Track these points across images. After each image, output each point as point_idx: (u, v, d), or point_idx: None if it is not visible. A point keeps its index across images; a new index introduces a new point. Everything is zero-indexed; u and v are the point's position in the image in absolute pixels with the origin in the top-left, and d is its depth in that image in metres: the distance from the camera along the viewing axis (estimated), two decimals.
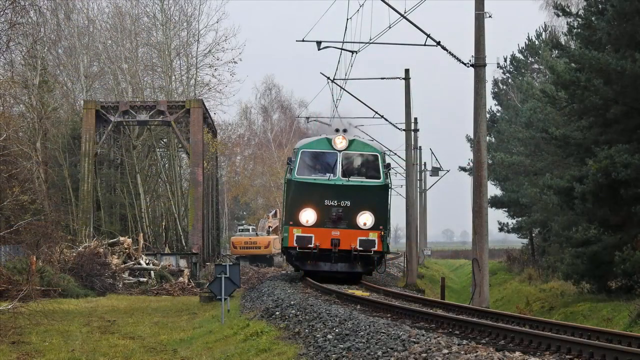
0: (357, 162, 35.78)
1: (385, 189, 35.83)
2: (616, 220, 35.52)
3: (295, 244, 34.88)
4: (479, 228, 31.30)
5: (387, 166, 36.23)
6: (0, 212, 40.08)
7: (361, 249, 34.67)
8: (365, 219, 34.98)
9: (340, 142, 35.34)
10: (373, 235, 34.86)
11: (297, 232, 34.91)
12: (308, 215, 35.07)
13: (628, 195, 33.38)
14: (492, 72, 75.21)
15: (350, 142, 35.62)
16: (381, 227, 35.12)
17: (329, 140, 35.64)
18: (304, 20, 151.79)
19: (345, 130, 36.52)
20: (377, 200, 35.42)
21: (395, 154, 69.63)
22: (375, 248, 34.88)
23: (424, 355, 14.39)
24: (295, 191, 35.47)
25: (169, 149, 74.78)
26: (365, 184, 35.27)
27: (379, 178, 35.46)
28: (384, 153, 38.19)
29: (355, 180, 35.19)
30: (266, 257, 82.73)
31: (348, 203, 34.89)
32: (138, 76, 74.58)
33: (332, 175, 35.09)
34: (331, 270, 35.10)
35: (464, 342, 15.42)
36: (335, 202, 34.94)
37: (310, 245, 34.70)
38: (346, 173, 35.13)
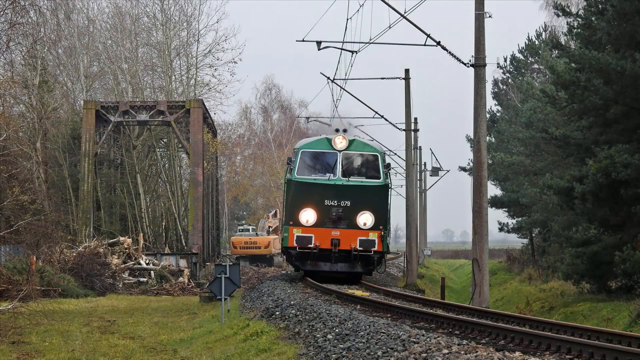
0: (357, 162, 35.51)
1: (385, 189, 35.56)
2: (616, 220, 35.51)
3: (295, 244, 34.60)
4: (479, 228, 31.28)
5: (387, 166, 35.95)
6: (0, 212, 40.11)
7: (361, 249, 34.40)
8: (365, 219, 34.76)
9: (340, 142, 35.13)
10: (373, 235, 34.60)
11: (297, 232, 34.64)
12: (308, 215, 34.84)
13: (628, 195, 33.38)
14: (492, 72, 75.24)
15: (350, 142, 35.38)
16: (381, 227, 34.87)
17: (329, 141, 35.39)
18: (304, 20, 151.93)
19: (345, 130, 36.25)
20: (377, 200, 35.17)
21: (395, 154, 69.68)
22: (375, 248, 34.60)
23: (424, 355, 14.39)
24: (295, 191, 35.23)
25: (169, 149, 74.83)
26: (365, 184, 35.04)
27: (379, 178, 35.23)
28: (384, 153, 37.82)
29: (355, 180, 34.96)
30: (266, 257, 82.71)
31: (348, 203, 34.69)
32: (138, 76, 74.61)
33: (332, 175, 34.87)
34: (331, 270, 34.83)
35: (464, 342, 15.43)
36: (335, 202, 34.73)
37: (310, 245, 34.42)
38: (346, 173, 34.90)
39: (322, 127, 59.41)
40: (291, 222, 35.04)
